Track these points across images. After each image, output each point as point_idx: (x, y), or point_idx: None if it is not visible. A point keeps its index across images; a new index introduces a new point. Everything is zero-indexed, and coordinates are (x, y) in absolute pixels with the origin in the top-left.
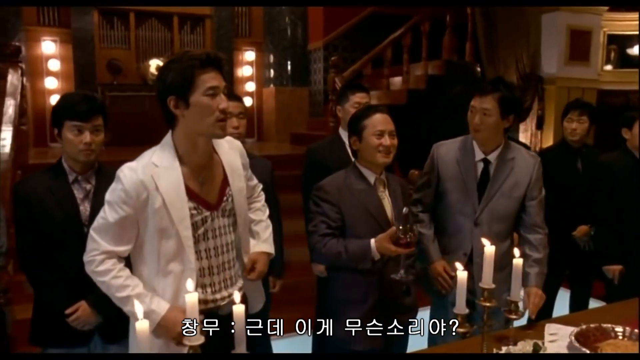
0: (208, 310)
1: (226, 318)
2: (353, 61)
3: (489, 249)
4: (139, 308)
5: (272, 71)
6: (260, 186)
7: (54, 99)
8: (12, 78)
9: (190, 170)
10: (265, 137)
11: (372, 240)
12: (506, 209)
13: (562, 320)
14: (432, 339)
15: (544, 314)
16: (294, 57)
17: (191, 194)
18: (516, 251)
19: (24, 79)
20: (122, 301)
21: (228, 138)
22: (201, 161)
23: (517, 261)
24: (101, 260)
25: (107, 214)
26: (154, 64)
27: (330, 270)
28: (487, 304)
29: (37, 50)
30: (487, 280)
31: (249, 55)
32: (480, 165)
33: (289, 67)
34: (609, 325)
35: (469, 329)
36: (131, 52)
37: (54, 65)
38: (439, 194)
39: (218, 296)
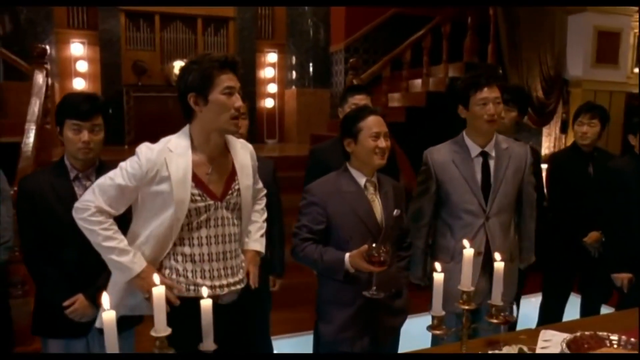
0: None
1: (226, 307)
2: (374, 63)
3: (468, 251)
4: (123, 258)
5: (294, 73)
6: (264, 191)
7: None
8: (38, 78)
9: (201, 160)
10: (286, 138)
11: (347, 255)
12: (511, 196)
13: (559, 327)
14: (435, 343)
15: (553, 319)
16: (315, 59)
17: (197, 182)
18: (497, 255)
19: (49, 80)
20: (106, 250)
21: (242, 140)
22: (212, 153)
23: (498, 265)
24: (94, 212)
25: (115, 176)
26: (178, 65)
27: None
28: (466, 307)
29: (66, 52)
30: (466, 282)
31: (271, 57)
32: (479, 161)
33: (311, 69)
34: (605, 333)
35: (445, 331)
36: (156, 53)
37: (82, 66)
38: (440, 198)
39: (217, 283)
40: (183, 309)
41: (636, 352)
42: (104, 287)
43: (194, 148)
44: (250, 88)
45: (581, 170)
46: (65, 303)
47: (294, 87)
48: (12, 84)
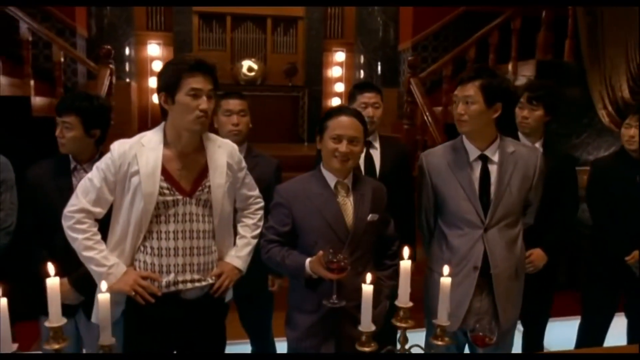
0: (169, 293)
1: (189, 303)
2: None
3: (405, 262)
4: (100, 269)
5: (361, 72)
6: (260, 203)
7: (155, 98)
8: (102, 77)
9: (172, 155)
10: None
11: (307, 260)
12: (516, 207)
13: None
14: None
15: (594, 342)
16: (384, 58)
17: (167, 176)
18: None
19: (113, 78)
20: (86, 259)
21: (226, 141)
22: (185, 150)
23: (444, 280)
24: (79, 219)
25: (93, 176)
26: (246, 65)
27: None
28: (403, 325)
29: (143, 52)
30: (403, 298)
31: (339, 56)
32: (478, 165)
33: (379, 68)
34: None
35: (374, 347)
36: (226, 53)
37: (157, 66)
38: (437, 206)
39: (180, 278)
40: (149, 303)
41: None
42: (87, 274)
43: (166, 143)
44: (317, 87)
45: (628, 179)
46: None
47: None
48: (93, 82)
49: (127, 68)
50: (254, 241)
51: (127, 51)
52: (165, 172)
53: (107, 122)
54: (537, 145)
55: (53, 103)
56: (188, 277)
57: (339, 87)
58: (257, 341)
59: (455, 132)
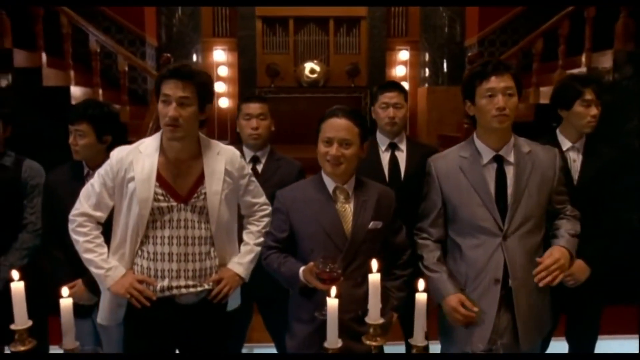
0: (164, 297)
1: (185, 308)
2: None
3: (374, 276)
4: (98, 271)
5: (426, 70)
6: (265, 212)
7: (222, 102)
8: None
9: (168, 162)
10: (417, 138)
11: (301, 269)
12: (536, 211)
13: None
14: None
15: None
16: (449, 55)
17: (162, 182)
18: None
19: None
20: (86, 261)
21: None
22: (179, 156)
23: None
24: (81, 222)
25: (94, 182)
26: (308, 67)
27: None
28: (374, 344)
29: (210, 58)
30: (374, 315)
31: (403, 54)
32: (493, 167)
33: (445, 66)
34: None
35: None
36: (289, 56)
37: (223, 71)
38: (448, 215)
39: (174, 284)
40: (145, 306)
41: None
42: None
43: (162, 150)
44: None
45: None
46: (67, 286)
47: (426, 85)
48: None
49: None
50: (258, 248)
51: (194, 58)
52: (160, 178)
53: (117, 128)
54: (579, 144)
55: (118, 110)
56: (182, 282)
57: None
58: (281, 344)
59: (525, 132)
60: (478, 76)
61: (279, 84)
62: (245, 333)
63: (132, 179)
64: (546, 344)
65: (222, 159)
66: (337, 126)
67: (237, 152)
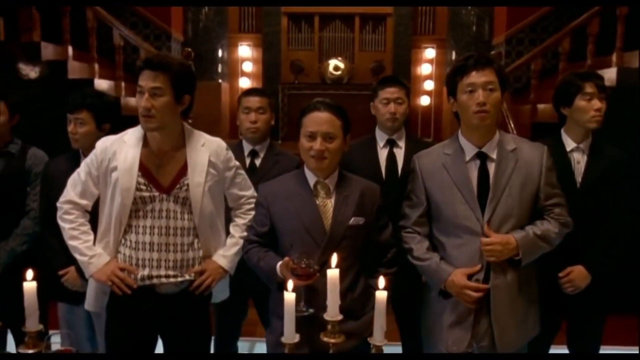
0: (145, 286)
1: (166, 297)
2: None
3: (333, 272)
4: (82, 257)
5: None
6: (252, 205)
7: None
8: None
9: (151, 152)
10: (441, 137)
11: (278, 264)
12: (518, 210)
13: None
14: None
15: None
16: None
17: (144, 172)
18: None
19: None
20: (71, 248)
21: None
22: (162, 147)
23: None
24: (67, 209)
25: (80, 171)
26: (332, 64)
27: None
28: (332, 341)
29: (235, 54)
30: (332, 311)
31: (429, 52)
32: (476, 164)
33: None
34: None
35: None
36: (314, 52)
37: (247, 66)
38: (432, 214)
39: (154, 273)
40: (126, 295)
41: None
42: None
43: (146, 141)
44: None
45: None
46: (61, 272)
47: None
48: None
49: (219, 69)
50: (241, 240)
51: (219, 53)
52: (143, 168)
53: (116, 116)
54: (584, 145)
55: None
56: (163, 272)
57: (429, 85)
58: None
59: (550, 134)
60: (459, 71)
61: (302, 80)
62: (239, 329)
63: (115, 168)
64: (545, 350)
65: (207, 151)
66: (320, 120)
67: (223, 144)
